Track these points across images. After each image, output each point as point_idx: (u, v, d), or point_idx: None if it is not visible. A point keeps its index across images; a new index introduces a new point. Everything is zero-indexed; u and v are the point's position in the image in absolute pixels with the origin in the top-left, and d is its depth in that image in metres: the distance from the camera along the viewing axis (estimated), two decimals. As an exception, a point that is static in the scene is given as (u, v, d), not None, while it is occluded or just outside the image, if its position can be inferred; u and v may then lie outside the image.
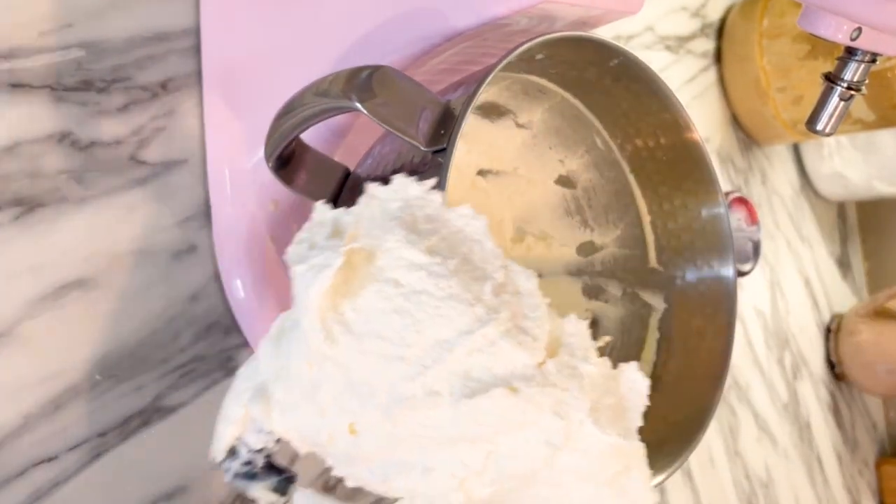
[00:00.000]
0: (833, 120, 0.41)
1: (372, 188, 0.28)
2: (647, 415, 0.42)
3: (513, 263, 0.28)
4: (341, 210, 0.29)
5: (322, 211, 0.29)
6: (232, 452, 0.29)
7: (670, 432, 0.40)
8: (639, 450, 0.28)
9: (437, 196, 0.28)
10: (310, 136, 0.37)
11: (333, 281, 0.26)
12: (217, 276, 0.42)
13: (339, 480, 0.28)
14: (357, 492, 0.28)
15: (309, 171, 0.38)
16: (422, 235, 0.27)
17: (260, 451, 0.29)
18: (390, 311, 0.26)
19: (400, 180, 0.28)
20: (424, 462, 0.26)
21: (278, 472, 0.29)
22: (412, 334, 0.25)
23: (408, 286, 0.26)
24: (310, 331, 0.26)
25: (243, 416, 0.28)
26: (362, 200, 0.28)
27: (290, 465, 0.30)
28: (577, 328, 0.27)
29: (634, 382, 0.28)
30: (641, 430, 0.41)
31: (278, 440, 0.29)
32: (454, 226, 0.27)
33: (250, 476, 0.29)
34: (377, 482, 0.27)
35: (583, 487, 0.27)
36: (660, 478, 0.36)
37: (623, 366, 0.28)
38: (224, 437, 0.29)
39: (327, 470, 0.28)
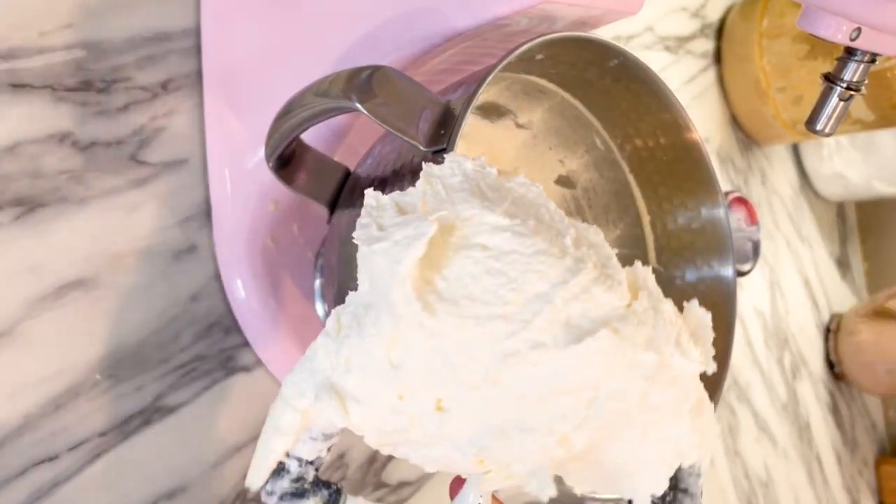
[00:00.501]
0: (833, 120, 0.41)
1: (428, 167, 0.28)
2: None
3: (577, 221, 0.29)
4: (397, 193, 0.29)
5: (376, 196, 0.29)
6: (278, 471, 0.28)
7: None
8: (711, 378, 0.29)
9: (492, 169, 0.29)
10: (310, 137, 0.37)
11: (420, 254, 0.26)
12: (217, 276, 0.42)
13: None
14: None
15: (309, 172, 0.38)
16: (494, 202, 0.27)
17: (311, 462, 0.28)
18: (483, 274, 0.26)
19: (452, 157, 0.29)
20: (523, 423, 0.26)
21: (327, 486, 0.28)
22: (508, 292, 0.26)
23: (495, 248, 0.26)
24: (403, 304, 0.26)
25: (300, 423, 0.27)
26: (420, 180, 0.28)
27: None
28: (647, 272, 0.29)
29: (701, 318, 0.29)
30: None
31: (330, 448, 0.28)
32: (517, 192, 0.28)
33: (300, 494, 0.28)
34: (465, 458, 0.26)
35: (670, 420, 0.27)
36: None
37: (687, 304, 0.29)
38: (273, 451, 0.27)
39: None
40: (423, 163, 0.29)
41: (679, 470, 0.28)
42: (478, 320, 0.26)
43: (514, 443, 0.26)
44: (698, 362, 0.27)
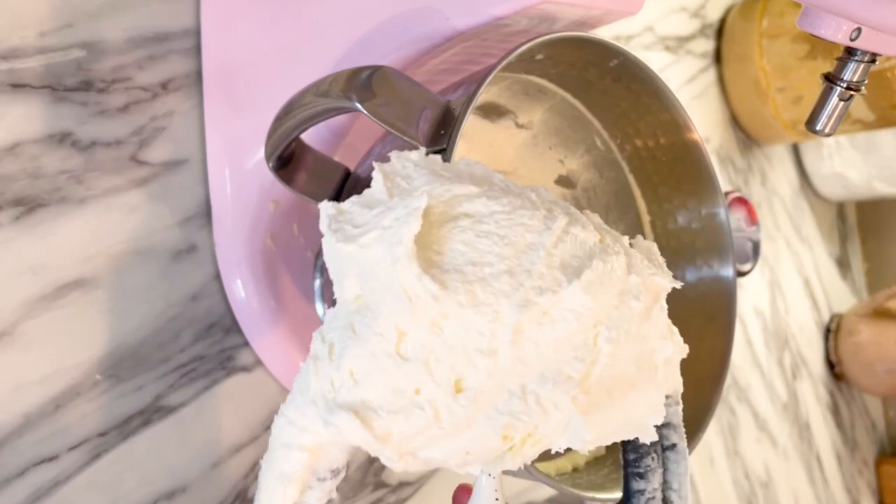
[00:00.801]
0: (833, 120, 0.41)
1: (378, 166, 0.29)
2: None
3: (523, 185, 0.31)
4: (355, 196, 0.29)
5: (333, 205, 0.29)
6: None
7: (670, 432, 0.40)
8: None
9: (436, 156, 0.30)
10: (310, 137, 0.37)
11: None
12: (217, 276, 0.42)
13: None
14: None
15: (309, 172, 0.38)
16: (454, 179, 0.28)
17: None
18: (475, 239, 0.27)
19: (395, 154, 0.29)
20: (544, 375, 0.27)
21: None
22: (504, 248, 0.27)
23: (477, 213, 0.27)
24: (414, 282, 0.25)
25: (306, 465, 0.26)
26: (375, 179, 0.29)
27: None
28: (596, 216, 0.31)
29: (649, 246, 0.31)
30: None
31: (338, 487, 0.27)
32: (466, 170, 0.29)
33: None
34: (493, 433, 0.26)
35: (659, 340, 0.29)
36: (659, 477, 0.37)
37: (633, 239, 0.31)
38: None
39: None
40: (372, 164, 0.29)
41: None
42: (484, 282, 0.26)
43: (539, 399, 0.27)
44: (669, 278, 0.30)
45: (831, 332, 1.01)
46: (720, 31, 0.87)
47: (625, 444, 0.30)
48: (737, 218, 0.78)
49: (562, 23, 0.38)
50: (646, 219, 0.45)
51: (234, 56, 0.42)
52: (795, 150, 1.01)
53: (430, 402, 0.26)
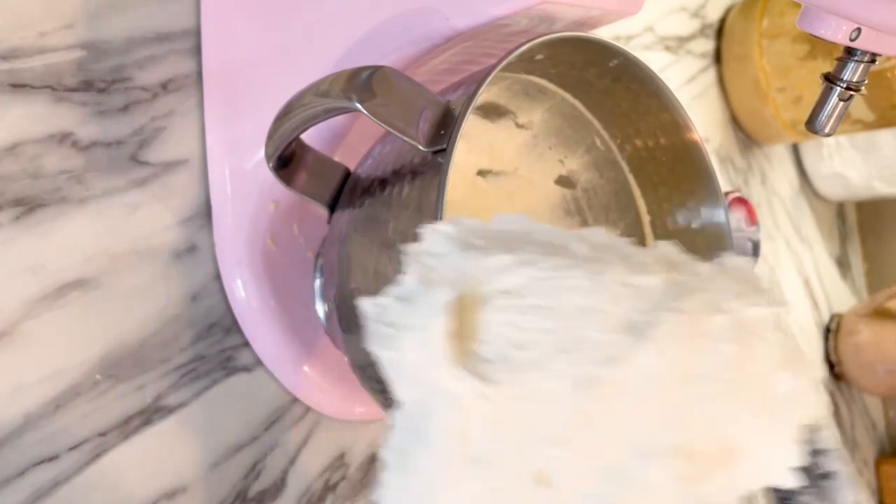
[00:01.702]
0: (832, 120, 0.41)
1: (407, 249, 0.26)
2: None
3: (573, 229, 0.27)
4: (393, 288, 0.26)
5: (373, 302, 0.26)
6: None
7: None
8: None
9: (467, 220, 0.27)
10: (310, 137, 0.38)
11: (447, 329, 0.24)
12: (218, 276, 0.42)
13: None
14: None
15: (309, 172, 0.38)
16: (487, 244, 0.25)
17: None
18: (517, 318, 0.24)
19: (425, 228, 0.27)
20: (638, 450, 0.23)
21: None
22: (550, 322, 0.23)
23: (514, 288, 0.24)
24: (456, 383, 0.23)
25: None
26: (407, 264, 0.26)
27: None
28: (666, 245, 0.27)
29: (741, 266, 0.27)
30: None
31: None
32: (502, 228, 0.26)
33: None
34: None
35: (771, 374, 0.25)
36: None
37: (720, 258, 0.27)
38: None
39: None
40: (402, 248, 0.26)
41: (809, 453, 0.26)
42: (536, 366, 0.23)
43: (632, 479, 0.23)
44: (768, 305, 0.25)
45: (831, 332, 1.01)
46: (720, 31, 0.87)
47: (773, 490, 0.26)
48: (737, 218, 0.78)
49: (562, 23, 0.38)
50: (646, 219, 0.45)
51: (235, 56, 0.42)
52: (795, 150, 1.01)
53: (512, 501, 0.24)
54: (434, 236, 0.26)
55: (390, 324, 0.25)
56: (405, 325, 0.24)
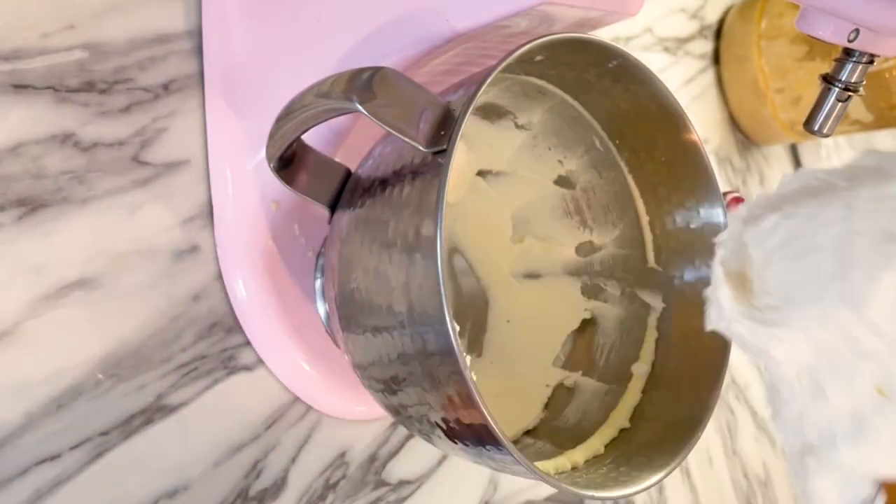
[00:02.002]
0: (831, 121, 0.41)
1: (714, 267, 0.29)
2: (646, 414, 0.43)
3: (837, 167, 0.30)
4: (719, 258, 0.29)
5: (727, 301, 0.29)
6: None
7: (669, 431, 0.40)
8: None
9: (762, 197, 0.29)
10: (311, 137, 0.38)
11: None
12: (219, 276, 0.42)
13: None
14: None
15: (310, 172, 0.38)
16: (759, 214, 0.28)
17: None
18: (792, 263, 0.27)
19: (723, 237, 0.29)
20: None
21: None
22: (820, 253, 0.26)
23: (783, 241, 0.27)
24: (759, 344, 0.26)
25: None
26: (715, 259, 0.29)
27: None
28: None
29: None
30: (639, 429, 0.41)
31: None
32: (778, 193, 0.29)
33: None
34: None
35: None
36: (658, 476, 0.37)
37: None
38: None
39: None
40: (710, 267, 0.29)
41: None
42: (814, 298, 0.26)
43: None
44: None
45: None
46: (719, 33, 0.88)
47: None
48: (735, 218, 0.78)
49: (561, 24, 0.38)
50: (644, 219, 0.45)
51: (236, 57, 0.43)
52: (794, 151, 1.02)
53: (859, 411, 0.26)
54: (732, 221, 0.30)
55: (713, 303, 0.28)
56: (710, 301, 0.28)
